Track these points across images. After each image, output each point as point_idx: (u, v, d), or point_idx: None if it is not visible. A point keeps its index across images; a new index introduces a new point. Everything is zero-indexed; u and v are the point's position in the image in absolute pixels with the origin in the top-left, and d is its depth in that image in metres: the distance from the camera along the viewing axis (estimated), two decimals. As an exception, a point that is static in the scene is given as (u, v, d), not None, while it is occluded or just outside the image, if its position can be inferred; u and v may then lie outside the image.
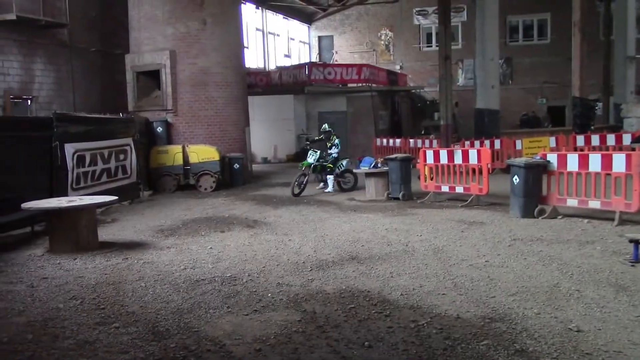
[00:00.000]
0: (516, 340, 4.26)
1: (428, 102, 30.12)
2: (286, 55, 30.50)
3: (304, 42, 33.28)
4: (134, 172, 12.73)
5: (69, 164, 10.20)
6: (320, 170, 13.69)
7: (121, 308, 5.26)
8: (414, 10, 31.71)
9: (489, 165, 11.14)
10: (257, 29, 27.35)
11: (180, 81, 15.26)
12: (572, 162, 9.10)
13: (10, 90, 14.43)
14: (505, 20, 29.05)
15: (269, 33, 28.49)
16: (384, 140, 21.50)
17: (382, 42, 32.74)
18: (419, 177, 12.32)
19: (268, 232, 8.85)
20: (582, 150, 15.25)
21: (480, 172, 10.79)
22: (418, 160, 12.47)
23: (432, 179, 11.70)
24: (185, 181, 14.87)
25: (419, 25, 31.95)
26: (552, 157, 9.41)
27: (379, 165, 12.59)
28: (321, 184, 14.06)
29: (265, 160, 24.42)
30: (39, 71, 15.43)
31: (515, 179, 9.42)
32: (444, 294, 5.42)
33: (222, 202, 12.58)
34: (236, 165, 15.47)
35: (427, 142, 19.72)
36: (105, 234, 8.92)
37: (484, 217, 9.47)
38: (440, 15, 18.25)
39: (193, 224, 9.70)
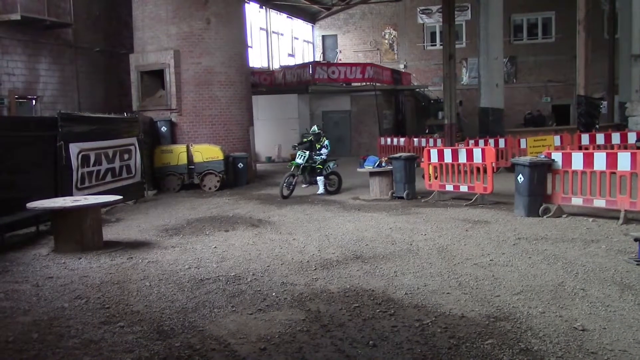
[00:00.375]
0: (521, 339, 4.25)
1: (432, 101, 30.13)
2: (290, 55, 30.50)
3: (308, 42, 33.26)
4: (139, 171, 12.78)
5: (74, 163, 10.24)
6: (310, 171, 13.51)
7: (126, 307, 5.28)
8: (418, 9, 31.68)
9: (494, 164, 11.12)
10: (261, 29, 27.36)
11: (184, 81, 15.28)
12: (577, 160, 9.07)
13: (15, 90, 14.50)
14: (509, 19, 28.99)
15: (273, 32, 28.49)
16: (388, 139, 21.51)
17: (386, 41, 32.71)
18: (423, 176, 12.32)
19: (272, 231, 8.86)
20: (587, 149, 15.20)
21: (485, 171, 10.77)
22: (422, 159, 12.45)
23: (436, 178, 11.68)
24: (190, 180, 14.90)
25: (423, 24, 31.92)
26: (557, 156, 9.38)
27: (383, 164, 12.58)
28: (305, 185, 13.94)
29: (269, 160, 24.43)
30: (44, 71, 15.50)
31: (520, 178, 9.40)
32: (448, 292, 5.42)
33: (226, 201, 12.60)
34: (240, 165, 15.46)
35: (431, 141, 19.67)
36: (110, 233, 8.95)
37: (489, 216, 9.46)
38: (445, 14, 18.22)
39: (197, 223, 9.71)
